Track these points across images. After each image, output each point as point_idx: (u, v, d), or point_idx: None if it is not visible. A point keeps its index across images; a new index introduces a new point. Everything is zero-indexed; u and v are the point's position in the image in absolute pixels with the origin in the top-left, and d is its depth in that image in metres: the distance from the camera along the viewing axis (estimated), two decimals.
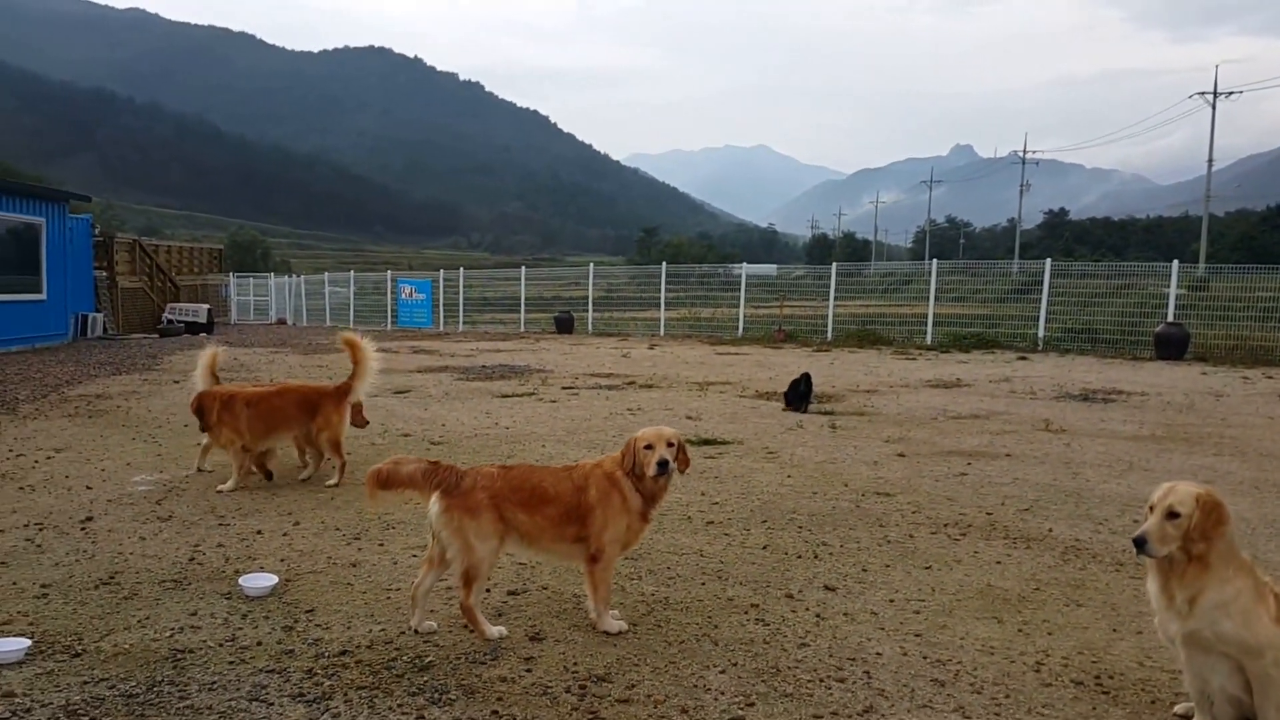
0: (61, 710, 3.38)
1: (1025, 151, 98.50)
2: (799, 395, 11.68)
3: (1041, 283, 22.59)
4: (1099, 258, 49.03)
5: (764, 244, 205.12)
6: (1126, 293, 23.58)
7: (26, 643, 3.92)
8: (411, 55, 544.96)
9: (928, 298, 24.27)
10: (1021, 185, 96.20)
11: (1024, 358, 19.58)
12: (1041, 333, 22.27)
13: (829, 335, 24.76)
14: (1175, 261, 21.26)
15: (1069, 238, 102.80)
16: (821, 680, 3.69)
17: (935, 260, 26.12)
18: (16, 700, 3.47)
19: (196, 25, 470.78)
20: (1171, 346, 19.27)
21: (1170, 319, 20.12)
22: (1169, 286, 20.72)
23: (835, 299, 25.67)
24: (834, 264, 27.02)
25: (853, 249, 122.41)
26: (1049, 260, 23.12)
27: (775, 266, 43.16)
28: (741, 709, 3.44)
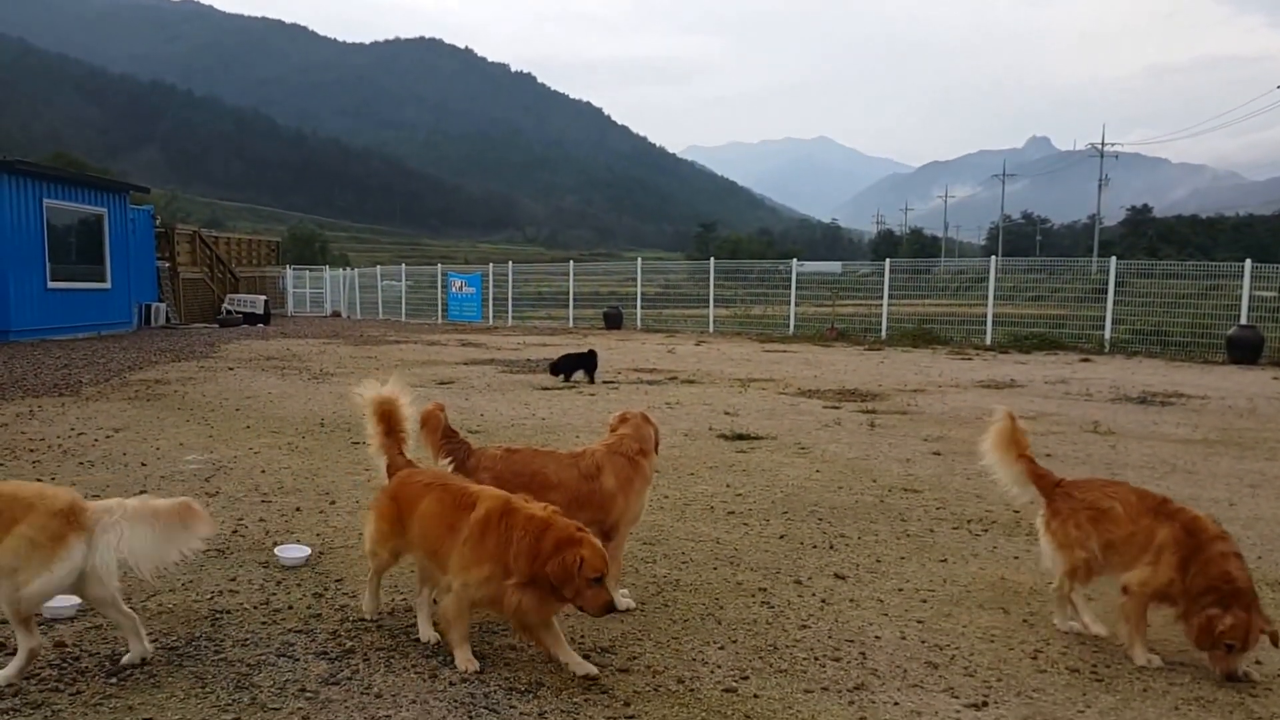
0: (107, 659, 3.68)
1: (1103, 144, 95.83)
2: (568, 365, 13.89)
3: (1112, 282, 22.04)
4: (1185, 257, 47.44)
5: (826, 240, 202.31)
6: (1204, 294, 22.75)
7: (77, 600, 4.21)
8: (462, 46, 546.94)
9: (990, 296, 23.90)
10: (1100, 179, 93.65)
11: (1087, 359, 19.21)
12: (1108, 334, 21.78)
13: (883, 334, 24.58)
14: (1248, 260, 20.48)
15: (1153, 236, 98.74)
16: (817, 659, 3.81)
17: (994, 257, 25.74)
18: (67, 650, 3.78)
19: (250, 17, 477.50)
20: (1245, 350, 18.76)
21: (1243, 321, 19.57)
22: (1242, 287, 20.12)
23: (892, 297, 25.44)
24: (887, 260, 26.78)
25: (920, 245, 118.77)
26: (1114, 259, 22.63)
27: (840, 264, 42.77)
28: (735, 681, 3.58)
